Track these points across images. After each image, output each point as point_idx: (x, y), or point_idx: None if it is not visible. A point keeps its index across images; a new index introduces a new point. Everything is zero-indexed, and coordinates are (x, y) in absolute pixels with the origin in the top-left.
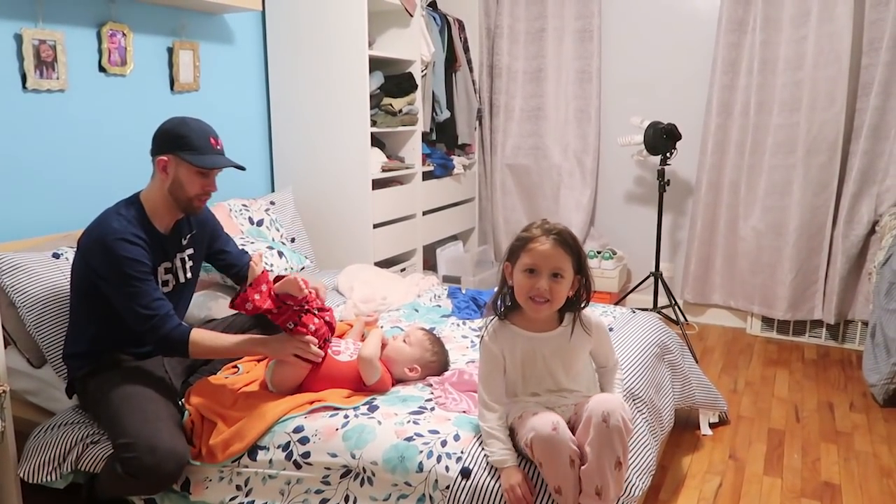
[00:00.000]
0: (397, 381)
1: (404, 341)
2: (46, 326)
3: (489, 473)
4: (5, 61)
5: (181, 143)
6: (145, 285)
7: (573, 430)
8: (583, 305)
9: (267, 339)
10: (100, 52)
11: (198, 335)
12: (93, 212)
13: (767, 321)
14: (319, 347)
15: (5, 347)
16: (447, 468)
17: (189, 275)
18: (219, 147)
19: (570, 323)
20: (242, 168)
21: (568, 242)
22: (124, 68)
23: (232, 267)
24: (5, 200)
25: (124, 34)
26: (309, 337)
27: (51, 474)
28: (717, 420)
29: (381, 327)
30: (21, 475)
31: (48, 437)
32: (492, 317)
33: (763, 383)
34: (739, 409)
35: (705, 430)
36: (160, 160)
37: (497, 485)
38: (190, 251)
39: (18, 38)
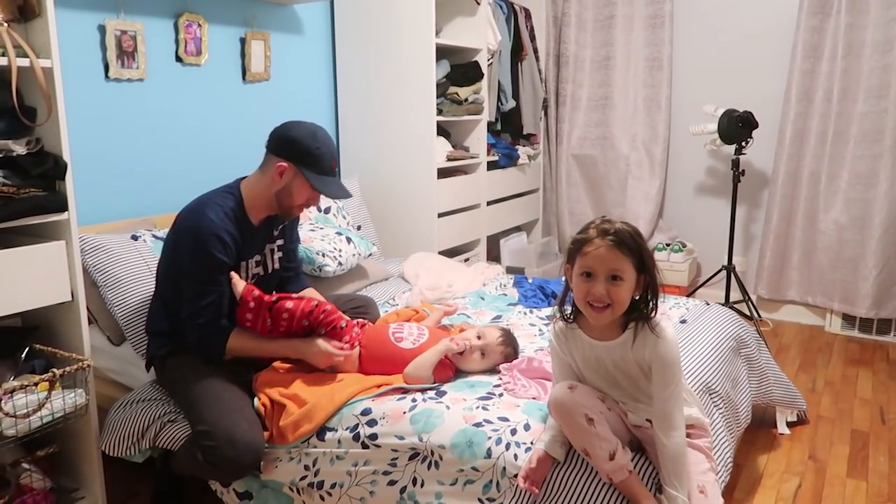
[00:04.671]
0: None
1: (482, 353)
2: (126, 305)
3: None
4: (90, 51)
5: (308, 160)
6: (218, 290)
7: (640, 441)
8: (647, 310)
9: (305, 347)
10: (177, 42)
11: (237, 340)
12: (169, 197)
13: (849, 319)
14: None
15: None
16: (515, 456)
17: (276, 266)
18: (336, 169)
19: (633, 330)
20: (350, 196)
21: (626, 242)
22: (199, 58)
23: (286, 260)
24: (89, 186)
25: (199, 25)
26: (345, 348)
27: (130, 449)
28: (794, 419)
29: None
30: (102, 448)
31: (127, 413)
32: (557, 318)
33: (844, 383)
34: (819, 409)
35: (783, 428)
36: (279, 165)
37: (566, 476)
38: (280, 242)
39: (102, 29)
